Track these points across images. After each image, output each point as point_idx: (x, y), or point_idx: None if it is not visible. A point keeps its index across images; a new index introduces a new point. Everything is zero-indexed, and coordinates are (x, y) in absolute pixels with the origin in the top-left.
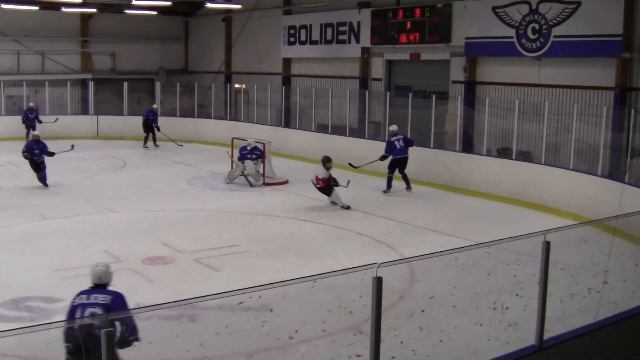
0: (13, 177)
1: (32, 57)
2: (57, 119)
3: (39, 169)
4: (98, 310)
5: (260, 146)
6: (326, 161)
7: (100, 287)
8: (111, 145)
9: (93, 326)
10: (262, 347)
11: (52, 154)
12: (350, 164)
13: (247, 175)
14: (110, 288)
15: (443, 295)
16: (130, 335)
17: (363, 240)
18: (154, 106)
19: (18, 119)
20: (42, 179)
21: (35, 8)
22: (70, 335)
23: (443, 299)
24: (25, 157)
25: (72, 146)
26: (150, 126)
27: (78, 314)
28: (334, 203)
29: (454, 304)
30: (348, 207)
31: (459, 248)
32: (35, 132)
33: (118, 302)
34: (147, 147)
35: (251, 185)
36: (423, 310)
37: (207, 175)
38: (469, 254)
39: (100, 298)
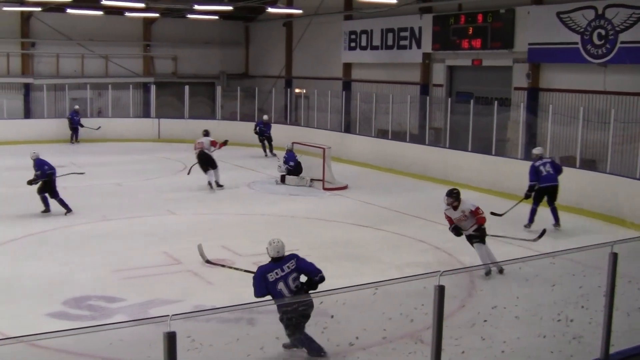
0: (75, 178)
1: (96, 60)
2: (99, 127)
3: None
4: (296, 274)
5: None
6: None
7: (279, 259)
8: (172, 148)
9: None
10: None
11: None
12: (493, 213)
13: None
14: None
15: (506, 306)
16: (317, 277)
17: (422, 247)
18: (265, 117)
19: (82, 121)
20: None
21: (100, 13)
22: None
23: (506, 309)
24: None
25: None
26: (263, 136)
27: (281, 286)
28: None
29: (516, 314)
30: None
31: (523, 258)
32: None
33: (299, 260)
34: (267, 157)
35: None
36: (485, 320)
37: (266, 180)
38: (533, 264)
39: (291, 265)
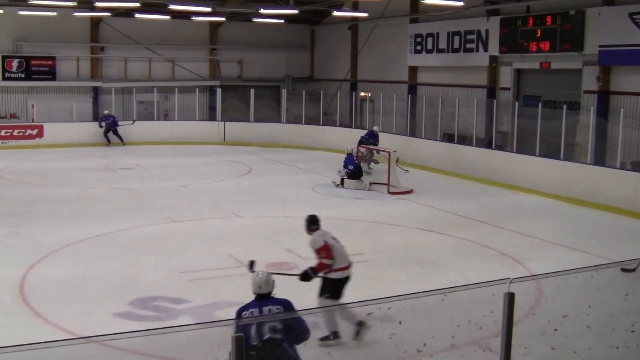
0: (143, 180)
1: (163, 64)
2: (134, 120)
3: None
4: (277, 324)
5: (352, 154)
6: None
7: (262, 296)
8: (237, 151)
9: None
10: (389, 359)
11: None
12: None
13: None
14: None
15: (577, 315)
16: (304, 333)
17: (489, 253)
18: (375, 128)
19: (149, 123)
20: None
21: (167, 17)
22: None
23: (577, 318)
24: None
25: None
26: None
27: (253, 330)
28: None
29: (588, 324)
30: None
31: (595, 266)
32: None
33: (290, 308)
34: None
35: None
36: (556, 329)
37: (331, 183)
38: (605, 272)
39: (274, 309)
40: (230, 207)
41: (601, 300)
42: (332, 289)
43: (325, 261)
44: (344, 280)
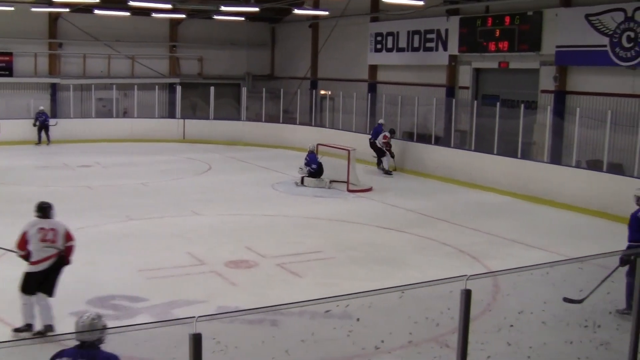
0: (102, 178)
1: (122, 61)
2: (56, 122)
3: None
4: None
5: (314, 151)
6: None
7: (82, 345)
8: (197, 149)
9: None
10: (347, 356)
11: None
12: (568, 300)
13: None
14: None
15: (532, 311)
16: None
17: (447, 251)
18: (380, 120)
19: (108, 121)
20: None
21: (127, 14)
22: None
23: (532, 314)
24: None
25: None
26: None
27: None
28: None
29: (544, 320)
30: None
31: (551, 262)
32: None
33: None
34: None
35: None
36: (512, 325)
37: (291, 181)
38: (561, 269)
39: None
40: (189, 205)
41: (556, 296)
42: (25, 281)
43: (18, 251)
44: (36, 275)
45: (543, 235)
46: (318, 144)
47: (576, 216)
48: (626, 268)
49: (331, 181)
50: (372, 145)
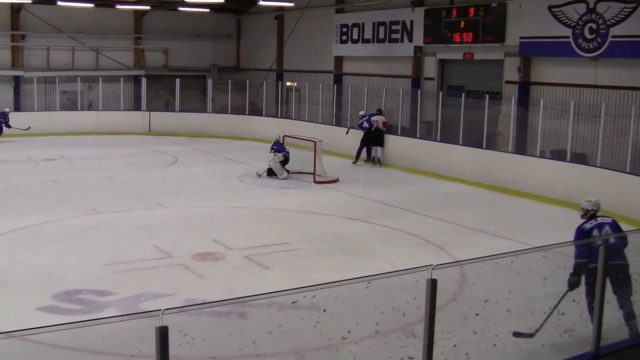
0: (67, 171)
1: (87, 53)
2: (29, 127)
3: None
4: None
5: (280, 141)
6: None
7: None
8: (162, 141)
9: None
10: (314, 346)
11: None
12: (518, 334)
13: (271, 167)
14: None
15: (498, 299)
16: None
17: (414, 241)
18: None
19: (72, 114)
20: None
21: (90, 5)
22: None
23: (498, 302)
24: None
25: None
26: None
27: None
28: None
29: (508, 308)
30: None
31: (515, 251)
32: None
33: None
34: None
35: (276, 176)
36: (477, 314)
37: (257, 175)
38: (525, 257)
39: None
40: (156, 198)
41: (521, 285)
42: None
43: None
44: None
45: (508, 224)
46: (284, 135)
47: (541, 205)
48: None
49: (288, 172)
50: (372, 133)
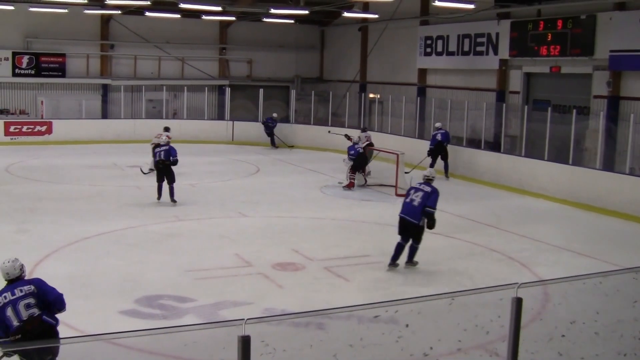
0: (150, 178)
1: (172, 63)
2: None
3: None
4: (32, 300)
5: (358, 144)
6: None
7: (11, 281)
8: (245, 150)
9: (41, 315)
10: None
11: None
12: None
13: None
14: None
15: (584, 321)
16: (60, 303)
17: (496, 257)
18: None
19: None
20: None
21: (177, 16)
22: (20, 330)
23: (584, 324)
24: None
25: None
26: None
27: (10, 312)
28: None
29: (596, 330)
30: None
31: (604, 272)
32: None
33: (42, 286)
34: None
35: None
36: (563, 335)
37: (339, 184)
38: (613, 278)
39: (26, 289)
40: (237, 207)
41: (609, 307)
42: None
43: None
44: None
45: (593, 243)
46: (366, 146)
47: (628, 224)
48: None
49: (366, 179)
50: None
